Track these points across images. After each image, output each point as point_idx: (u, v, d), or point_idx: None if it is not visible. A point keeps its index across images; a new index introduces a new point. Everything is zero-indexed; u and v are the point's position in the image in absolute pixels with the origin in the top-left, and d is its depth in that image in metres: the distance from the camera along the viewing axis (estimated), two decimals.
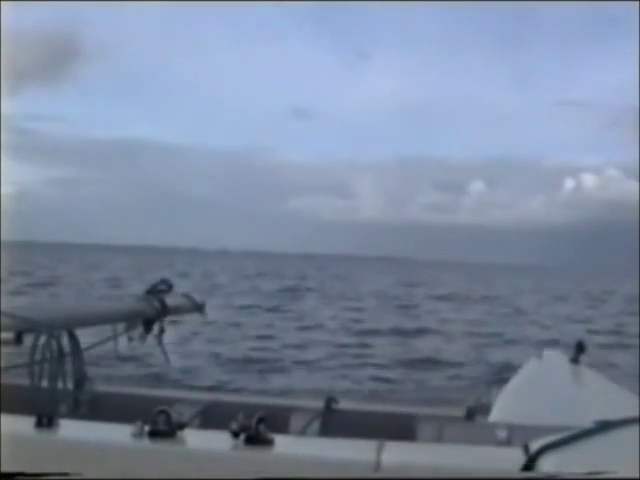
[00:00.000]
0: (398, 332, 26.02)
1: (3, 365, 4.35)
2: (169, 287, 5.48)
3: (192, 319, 5.95)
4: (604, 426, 3.11)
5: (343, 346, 21.69)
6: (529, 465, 2.78)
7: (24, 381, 4.28)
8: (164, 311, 5.25)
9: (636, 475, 2.60)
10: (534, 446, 2.89)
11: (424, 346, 22.34)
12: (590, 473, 2.31)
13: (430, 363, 19.06)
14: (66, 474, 2.92)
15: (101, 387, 5.09)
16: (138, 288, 5.62)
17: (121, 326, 5.03)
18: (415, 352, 21.03)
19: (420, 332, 26.37)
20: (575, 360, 5.90)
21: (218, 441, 3.10)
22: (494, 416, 4.67)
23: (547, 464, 2.75)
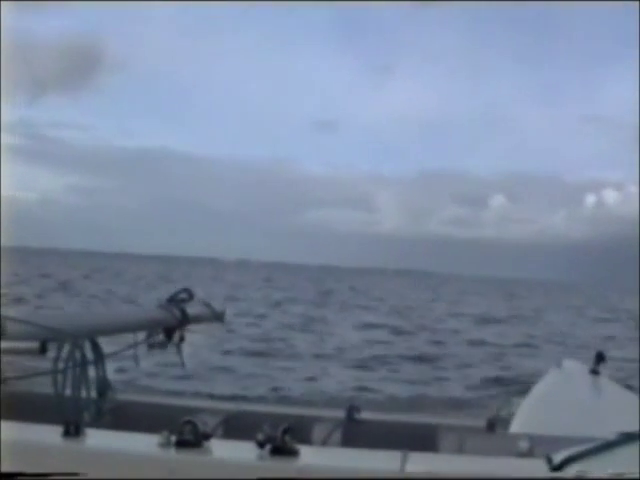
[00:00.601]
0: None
1: (27, 374, 4.39)
2: (190, 296, 5.51)
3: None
4: (627, 438, 3.12)
5: None
6: (553, 477, 2.79)
7: (48, 390, 4.32)
8: (185, 320, 5.28)
9: None
10: (557, 457, 2.90)
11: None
12: (617, 473, 2.32)
13: None
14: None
15: (123, 395, 5.11)
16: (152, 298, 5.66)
17: (142, 334, 5.07)
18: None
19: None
20: (595, 371, 5.88)
21: (244, 451, 3.12)
22: (515, 427, 4.67)
23: (570, 476, 2.76)
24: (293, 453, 3.06)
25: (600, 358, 5.99)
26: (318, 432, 4.57)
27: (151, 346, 5.12)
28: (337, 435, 4.57)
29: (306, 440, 4.08)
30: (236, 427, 4.40)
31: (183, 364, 5.43)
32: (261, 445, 3.06)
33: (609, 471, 2.87)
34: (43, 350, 4.21)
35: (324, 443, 4.42)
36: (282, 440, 3.06)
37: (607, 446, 3.02)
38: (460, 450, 4.25)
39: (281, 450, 3.05)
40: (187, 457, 3.11)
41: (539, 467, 2.91)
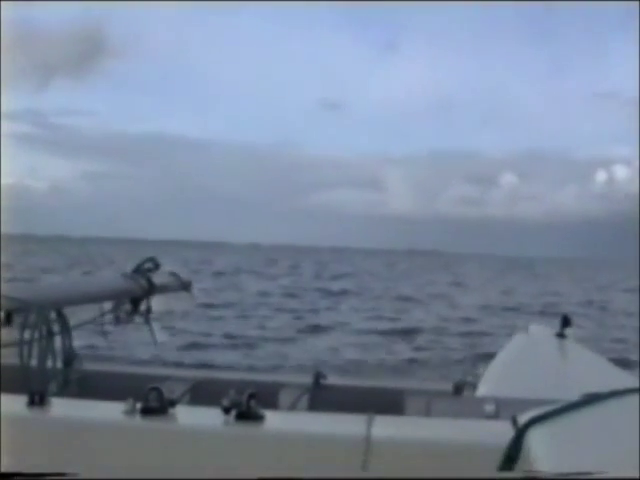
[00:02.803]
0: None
1: None
2: (156, 265, 5.49)
3: None
4: (591, 399, 3.14)
5: None
6: (518, 437, 2.81)
7: (14, 360, 4.30)
8: (151, 289, 5.27)
9: (625, 449, 2.62)
10: (522, 419, 2.92)
11: None
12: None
13: None
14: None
15: (90, 365, 5.10)
16: None
17: (109, 304, 5.05)
18: None
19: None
20: (561, 334, 5.93)
21: (209, 417, 3.12)
22: (481, 390, 4.71)
23: (535, 437, 2.78)
24: (258, 418, 3.06)
25: (566, 322, 6.04)
26: (285, 398, 4.58)
27: (118, 317, 5.11)
28: (304, 400, 4.58)
29: (273, 406, 4.09)
30: (203, 394, 4.39)
31: (154, 338, 5.41)
32: (226, 411, 3.06)
33: (573, 432, 2.89)
34: (8, 321, 4.19)
35: (291, 408, 4.44)
36: (247, 405, 3.06)
37: (571, 407, 3.04)
38: (427, 413, 4.27)
39: (246, 415, 3.05)
40: (152, 424, 3.11)
41: (504, 429, 2.93)
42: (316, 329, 24.47)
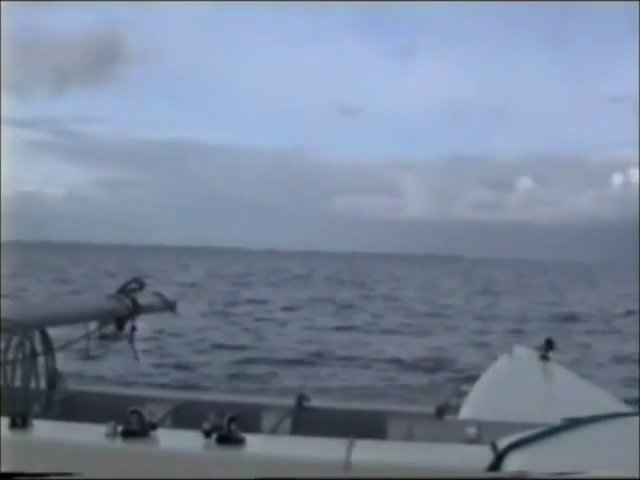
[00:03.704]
0: None
1: None
2: (141, 286, 5.51)
3: None
4: (572, 423, 3.15)
5: None
6: (496, 463, 2.82)
7: None
8: (136, 310, 5.28)
9: (604, 474, 2.63)
10: (502, 444, 2.92)
11: None
12: (559, 473, 2.34)
13: None
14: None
15: (73, 386, 5.09)
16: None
17: (94, 325, 5.05)
18: None
19: None
20: (545, 357, 5.95)
21: (190, 441, 3.12)
22: (464, 413, 4.71)
23: (514, 462, 2.79)
24: (239, 442, 3.06)
25: (549, 345, 6.06)
26: (267, 421, 4.58)
27: (102, 337, 5.12)
28: (286, 424, 4.58)
29: (254, 429, 4.09)
30: (185, 416, 4.39)
31: (136, 357, 5.42)
32: (207, 434, 3.06)
33: (553, 457, 2.90)
34: None
35: (273, 432, 4.43)
36: (228, 429, 3.06)
37: (551, 432, 3.05)
38: (408, 437, 4.28)
39: (227, 439, 3.05)
40: (133, 447, 3.10)
41: (484, 453, 2.94)
42: None
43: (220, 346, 20.42)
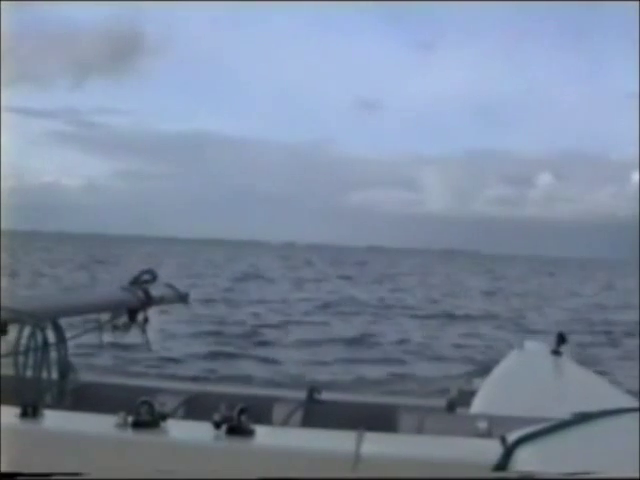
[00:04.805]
0: None
1: None
2: (153, 277, 5.53)
3: None
4: (581, 418, 3.15)
5: None
6: (506, 456, 2.82)
7: (9, 371, 4.32)
8: (148, 301, 5.30)
9: (612, 471, 2.63)
10: (511, 437, 2.93)
11: None
12: (567, 473, 2.34)
13: None
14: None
15: (85, 377, 5.11)
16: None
17: (106, 316, 5.07)
18: None
19: None
20: (557, 352, 5.93)
21: (200, 432, 3.13)
22: (475, 407, 4.71)
23: (524, 455, 2.79)
24: (249, 433, 3.07)
25: (561, 339, 6.04)
26: (278, 413, 4.58)
27: (115, 328, 5.14)
28: (297, 416, 4.59)
29: (265, 421, 4.10)
30: (196, 408, 4.40)
31: (149, 347, 5.45)
32: (217, 425, 3.07)
33: (562, 451, 2.90)
34: (3, 331, 4.21)
35: (283, 424, 4.44)
36: (238, 420, 3.07)
37: (561, 426, 3.06)
38: (419, 430, 4.27)
39: (237, 430, 3.06)
40: (143, 437, 3.12)
41: (493, 447, 2.94)
42: None
43: None
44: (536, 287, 55.00)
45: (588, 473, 2.14)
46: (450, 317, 29.43)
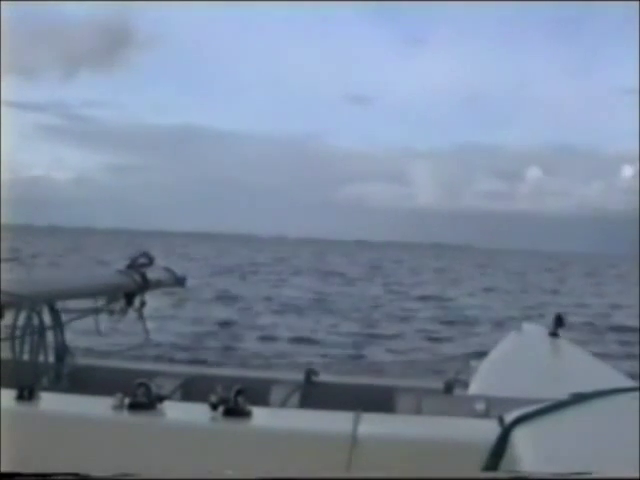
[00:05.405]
0: None
1: None
2: (150, 261, 5.51)
3: None
4: (578, 398, 3.15)
5: None
6: (503, 436, 2.82)
7: (6, 354, 4.31)
8: (145, 285, 5.29)
9: (611, 449, 2.62)
10: (508, 418, 2.93)
11: None
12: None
13: None
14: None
15: (83, 360, 5.11)
16: None
17: (102, 299, 5.06)
18: None
19: None
20: (554, 334, 5.93)
21: (197, 413, 3.13)
22: (473, 389, 4.71)
23: (521, 435, 2.79)
24: (246, 414, 3.07)
25: (559, 321, 6.04)
26: (276, 395, 4.58)
27: (111, 312, 5.13)
28: (294, 398, 4.58)
29: (262, 403, 4.10)
30: (193, 390, 4.40)
31: (146, 331, 5.43)
32: (214, 407, 3.07)
33: (559, 431, 2.90)
34: (0, 315, 4.20)
35: (281, 405, 4.44)
36: (235, 401, 3.07)
37: (557, 406, 3.05)
38: (417, 411, 4.27)
39: (234, 411, 3.06)
40: (140, 419, 3.12)
41: (492, 427, 2.94)
42: None
43: None
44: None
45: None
46: None
